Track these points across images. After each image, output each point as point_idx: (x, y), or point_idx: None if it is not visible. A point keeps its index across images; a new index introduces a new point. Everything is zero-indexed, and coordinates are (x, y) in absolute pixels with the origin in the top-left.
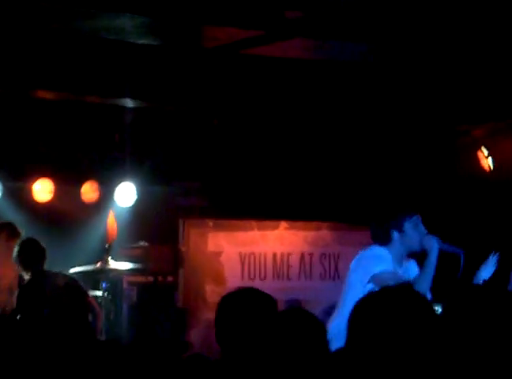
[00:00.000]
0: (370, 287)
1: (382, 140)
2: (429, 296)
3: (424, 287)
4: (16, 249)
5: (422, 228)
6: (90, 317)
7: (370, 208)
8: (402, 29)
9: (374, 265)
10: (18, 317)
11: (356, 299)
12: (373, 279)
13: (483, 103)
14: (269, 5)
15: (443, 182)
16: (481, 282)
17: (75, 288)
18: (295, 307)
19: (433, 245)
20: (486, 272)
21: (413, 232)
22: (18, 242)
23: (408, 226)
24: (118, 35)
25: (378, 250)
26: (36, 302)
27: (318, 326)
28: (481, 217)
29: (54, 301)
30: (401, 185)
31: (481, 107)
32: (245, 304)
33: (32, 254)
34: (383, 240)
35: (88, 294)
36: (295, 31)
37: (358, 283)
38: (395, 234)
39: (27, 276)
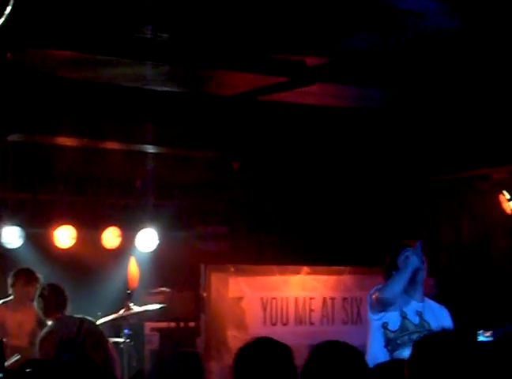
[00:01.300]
0: (379, 316)
1: (402, 184)
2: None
3: (390, 291)
4: (38, 294)
5: (416, 258)
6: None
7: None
8: (420, 76)
9: None
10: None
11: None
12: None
13: (503, 146)
14: (290, 51)
15: (465, 225)
16: None
17: (97, 334)
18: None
19: (410, 261)
20: None
21: (405, 264)
22: (39, 287)
23: (399, 261)
24: (139, 82)
25: (380, 286)
26: (57, 349)
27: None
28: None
29: (75, 347)
30: (419, 228)
31: (501, 151)
32: (260, 354)
33: (54, 300)
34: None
35: (108, 341)
36: (315, 78)
37: (371, 321)
38: (394, 273)
39: (49, 322)
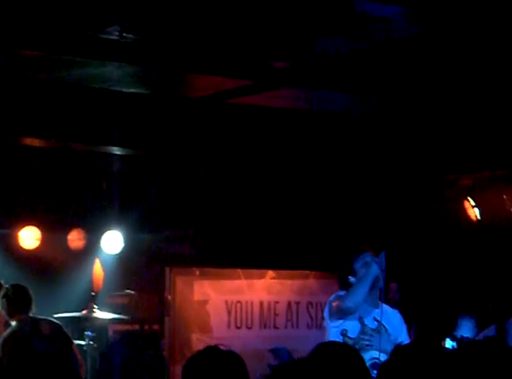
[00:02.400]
0: (338, 323)
1: (368, 189)
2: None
3: (351, 300)
4: (2, 295)
5: (375, 264)
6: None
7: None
8: (388, 80)
9: None
10: None
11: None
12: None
13: (470, 153)
14: (258, 55)
15: (430, 231)
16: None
17: (61, 335)
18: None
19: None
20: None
21: (363, 270)
22: (4, 288)
23: (357, 266)
24: (105, 83)
25: (340, 293)
26: (21, 350)
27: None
28: (467, 265)
29: (39, 348)
30: (388, 233)
31: (468, 158)
32: (209, 365)
33: (18, 301)
34: (344, 286)
35: (73, 343)
36: (283, 81)
37: (329, 328)
38: (351, 279)
39: (13, 323)
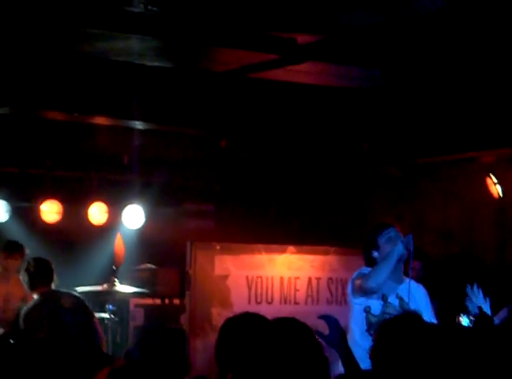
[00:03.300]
0: (361, 300)
1: (387, 165)
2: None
3: (374, 280)
4: (24, 268)
5: (399, 239)
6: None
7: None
8: (412, 55)
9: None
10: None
11: (354, 321)
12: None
13: (492, 130)
14: (281, 29)
15: (450, 207)
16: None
17: (82, 309)
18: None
19: (395, 249)
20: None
21: (387, 246)
22: (25, 260)
23: (381, 241)
24: (129, 56)
25: (364, 270)
26: (42, 322)
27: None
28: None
29: (61, 321)
30: (409, 211)
31: (490, 134)
32: (247, 329)
33: (39, 274)
34: (368, 262)
35: (94, 317)
36: (307, 56)
37: (353, 305)
38: (375, 254)
39: (34, 295)
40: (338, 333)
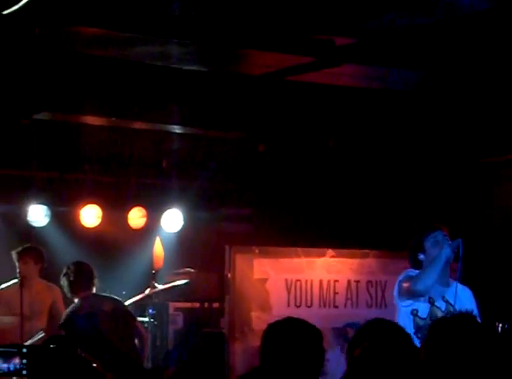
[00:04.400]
0: (408, 303)
1: (428, 167)
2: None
3: (423, 283)
4: (63, 272)
5: (446, 243)
6: (137, 343)
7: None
8: (450, 58)
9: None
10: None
11: (401, 324)
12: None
13: None
14: (319, 31)
15: (487, 210)
16: None
17: (123, 313)
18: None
19: (443, 252)
20: None
21: (434, 249)
22: (68, 265)
23: (428, 244)
24: (166, 61)
25: (411, 272)
26: (84, 326)
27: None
28: None
29: (102, 325)
30: (446, 212)
31: None
32: (291, 334)
33: (80, 278)
34: (414, 264)
35: (135, 319)
36: (344, 58)
37: (399, 307)
38: (421, 256)
39: (75, 300)
40: None
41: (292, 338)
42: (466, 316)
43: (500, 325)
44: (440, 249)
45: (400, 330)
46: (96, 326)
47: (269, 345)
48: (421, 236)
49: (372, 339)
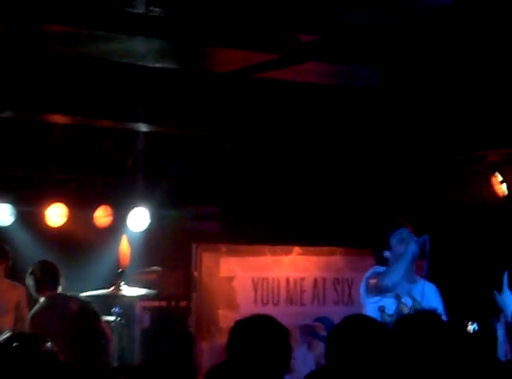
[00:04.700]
0: (375, 299)
1: (394, 164)
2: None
3: (390, 279)
4: (29, 271)
5: (412, 239)
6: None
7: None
8: (415, 53)
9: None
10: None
11: None
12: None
13: (497, 128)
14: (284, 28)
15: (454, 208)
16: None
17: (89, 313)
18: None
19: (409, 248)
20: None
21: (400, 246)
22: (33, 264)
23: (393, 241)
24: (131, 58)
25: (378, 269)
26: (49, 326)
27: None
28: (492, 242)
29: (67, 325)
30: (412, 209)
31: (496, 133)
32: (257, 331)
33: (46, 277)
34: (380, 261)
35: (101, 319)
36: (309, 55)
37: (366, 304)
38: (387, 253)
39: (41, 299)
40: None
41: (259, 335)
42: (429, 314)
43: (470, 324)
44: (406, 246)
45: (381, 326)
46: (63, 325)
47: (235, 342)
48: (386, 233)
49: (353, 335)
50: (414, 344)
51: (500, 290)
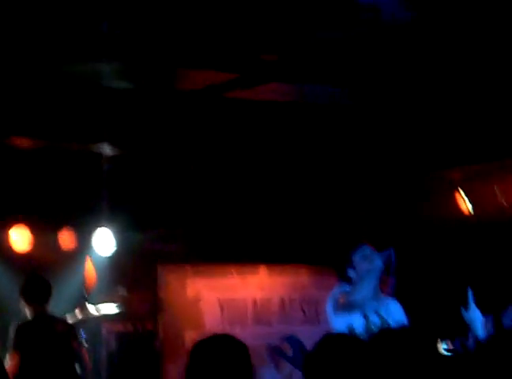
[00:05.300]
0: (343, 318)
1: (358, 184)
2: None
3: (359, 294)
4: (21, 282)
5: (375, 255)
6: (78, 368)
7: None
8: (378, 74)
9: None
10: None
11: None
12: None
13: (458, 146)
14: (246, 48)
15: (418, 226)
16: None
17: (73, 337)
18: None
19: (376, 263)
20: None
21: (363, 264)
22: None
23: (356, 259)
24: (95, 79)
25: (344, 287)
26: (35, 344)
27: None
28: (456, 259)
29: (53, 345)
30: (377, 226)
31: (457, 151)
32: (216, 350)
33: (36, 289)
34: (343, 280)
35: (82, 345)
36: (271, 76)
37: (334, 323)
38: (351, 272)
39: (30, 313)
40: (302, 354)
41: (217, 354)
42: (406, 330)
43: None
44: (370, 263)
45: (363, 343)
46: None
47: (194, 363)
48: (349, 252)
49: (335, 354)
50: (394, 361)
51: (466, 307)
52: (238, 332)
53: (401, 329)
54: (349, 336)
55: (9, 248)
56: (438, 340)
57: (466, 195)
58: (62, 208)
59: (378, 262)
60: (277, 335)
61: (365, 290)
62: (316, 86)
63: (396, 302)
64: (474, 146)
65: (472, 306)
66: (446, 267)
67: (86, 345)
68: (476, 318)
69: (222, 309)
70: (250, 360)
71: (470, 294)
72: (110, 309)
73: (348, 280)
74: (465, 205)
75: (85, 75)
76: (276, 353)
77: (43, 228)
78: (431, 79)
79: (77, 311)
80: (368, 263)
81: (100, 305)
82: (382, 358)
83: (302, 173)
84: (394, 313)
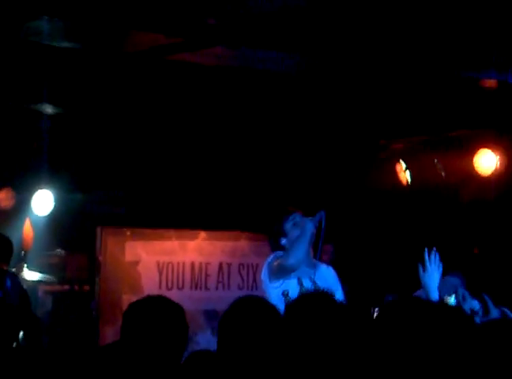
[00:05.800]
0: (279, 283)
1: (302, 150)
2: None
3: (294, 257)
4: None
5: (306, 220)
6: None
7: None
8: (322, 39)
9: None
10: None
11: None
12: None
13: (401, 118)
14: (191, 12)
15: (361, 193)
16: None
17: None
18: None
19: (306, 227)
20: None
21: (294, 231)
22: None
23: (288, 227)
24: (36, 37)
25: (278, 253)
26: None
27: None
28: (397, 228)
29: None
30: (320, 195)
31: (400, 123)
32: (150, 311)
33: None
34: (276, 249)
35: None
36: (215, 40)
37: (269, 289)
38: (283, 241)
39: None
40: None
41: (152, 315)
42: (320, 294)
43: (375, 310)
44: (301, 229)
45: (272, 307)
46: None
47: (129, 323)
48: (280, 221)
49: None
50: (304, 325)
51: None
52: (175, 295)
53: (320, 294)
54: (264, 300)
55: None
56: (373, 308)
57: (407, 166)
58: (2, 167)
59: (308, 226)
60: (215, 300)
61: (300, 250)
62: (260, 51)
63: (331, 268)
64: (419, 119)
65: (430, 268)
66: (386, 233)
67: None
68: (433, 278)
69: (160, 272)
70: (185, 322)
71: (426, 255)
72: (47, 269)
73: (281, 249)
74: (404, 175)
75: (28, 32)
76: (212, 318)
77: None
78: (379, 48)
79: (13, 270)
80: (300, 229)
81: (37, 266)
82: (296, 323)
83: (243, 139)
84: (329, 280)
